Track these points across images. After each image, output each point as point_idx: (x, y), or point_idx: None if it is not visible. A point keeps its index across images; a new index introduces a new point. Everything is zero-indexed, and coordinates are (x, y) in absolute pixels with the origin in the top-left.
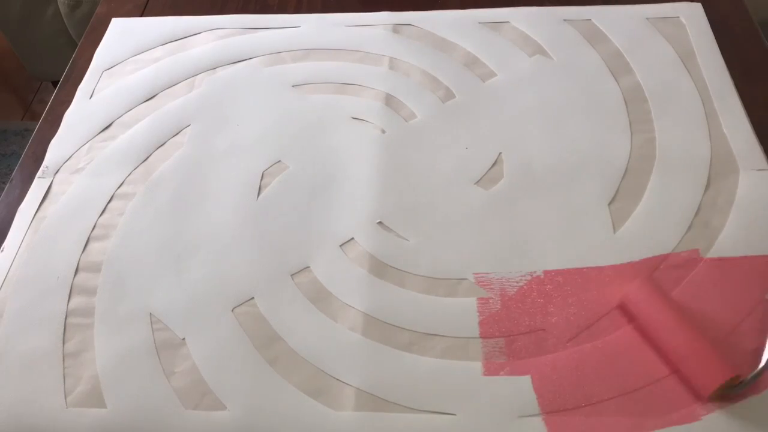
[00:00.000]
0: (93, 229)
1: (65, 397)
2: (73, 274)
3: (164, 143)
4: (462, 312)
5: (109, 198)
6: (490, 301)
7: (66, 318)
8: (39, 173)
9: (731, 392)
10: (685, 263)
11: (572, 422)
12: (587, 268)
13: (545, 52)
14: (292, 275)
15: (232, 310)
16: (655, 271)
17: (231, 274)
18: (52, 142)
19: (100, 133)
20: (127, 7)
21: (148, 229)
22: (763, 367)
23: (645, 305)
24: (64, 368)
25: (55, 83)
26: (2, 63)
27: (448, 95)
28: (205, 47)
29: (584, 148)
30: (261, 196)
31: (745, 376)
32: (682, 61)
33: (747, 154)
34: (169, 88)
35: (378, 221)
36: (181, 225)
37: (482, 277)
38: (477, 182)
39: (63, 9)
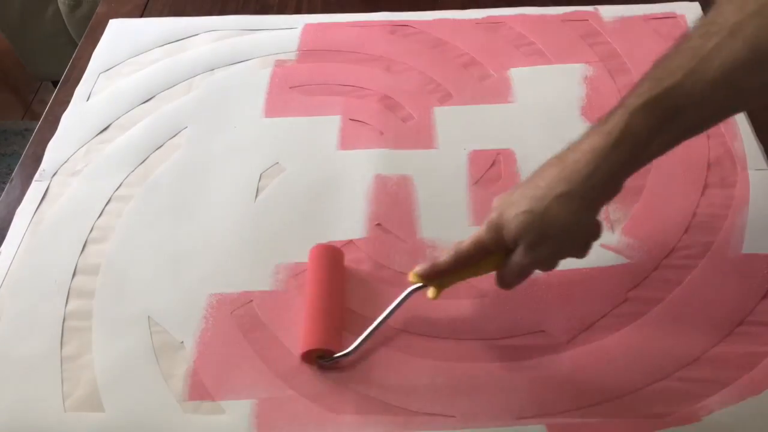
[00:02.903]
0: (91, 231)
1: (63, 401)
2: (71, 277)
3: (162, 145)
4: (462, 313)
5: (107, 200)
6: (490, 301)
7: (64, 321)
8: (36, 176)
9: (322, 362)
10: (685, 263)
11: (572, 423)
12: (587, 268)
13: (543, 52)
14: (291, 277)
15: (231, 313)
16: (654, 271)
17: (229, 276)
18: (50, 144)
19: (97, 135)
20: (127, 8)
21: (146, 231)
22: (350, 350)
23: (313, 266)
24: (62, 372)
25: (55, 83)
26: (2, 63)
27: (446, 96)
28: (203, 49)
29: None
30: (259, 197)
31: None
32: None
33: (746, 154)
34: (166, 90)
35: (377, 223)
36: (179, 227)
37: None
38: (476, 183)
39: (63, 9)
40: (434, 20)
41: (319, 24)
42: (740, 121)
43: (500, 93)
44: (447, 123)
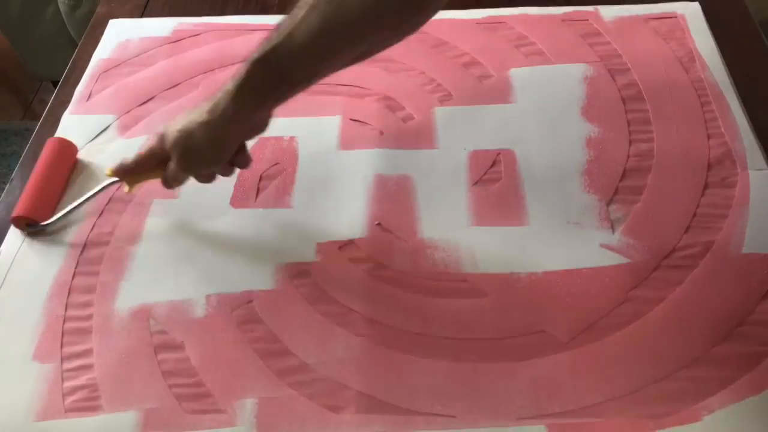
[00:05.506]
0: (91, 231)
1: (63, 401)
2: (72, 276)
3: None
4: (462, 313)
5: (108, 200)
6: (490, 301)
7: (64, 321)
8: None
9: (29, 230)
10: (685, 263)
11: (572, 423)
12: (586, 268)
13: (543, 52)
14: (291, 277)
15: (232, 313)
16: (654, 271)
17: (229, 276)
18: None
19: (97, 135)
20: (128, 7)
21: (147, 231)
22: (52, 221)
23: (44, 156)
24: (62, 372)
25: (55, 83)
26: (2, 63)
27: (447, 96)
28: (203, 49)
29: (583, 148)
30: (259, 197)
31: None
32: (680, 61)
33: (746, 154)
34: (167, 90)
35: (377, 223)
36: (179, 227)
37: (482, 278)
38: (476, 183)
39: (63, 9)
40: (434, 20)
41: None
42: (740, 121)
43: (500, 93)
44: (447, 123)
